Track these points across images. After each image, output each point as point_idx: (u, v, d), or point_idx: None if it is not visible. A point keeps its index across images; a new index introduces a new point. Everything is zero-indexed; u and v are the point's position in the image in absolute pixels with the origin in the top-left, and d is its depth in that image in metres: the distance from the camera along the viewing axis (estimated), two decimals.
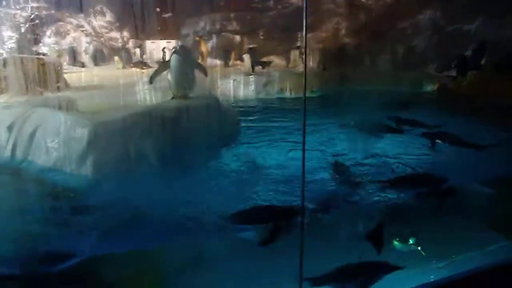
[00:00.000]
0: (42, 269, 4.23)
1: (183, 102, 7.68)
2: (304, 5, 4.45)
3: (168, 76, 7.90)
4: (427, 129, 8.41)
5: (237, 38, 19.46)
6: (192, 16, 22.71)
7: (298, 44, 19.03)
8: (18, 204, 5.75)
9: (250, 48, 17.32)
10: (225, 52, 17.99)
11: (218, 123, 7.91)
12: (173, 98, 8.08)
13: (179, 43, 23.02)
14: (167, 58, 20.42)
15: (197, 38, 17.87)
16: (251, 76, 13.99)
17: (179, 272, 4.32)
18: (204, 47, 17.62)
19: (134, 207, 5.52)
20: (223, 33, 19.63)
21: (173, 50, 7.90)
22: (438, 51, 14.69)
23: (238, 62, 18.08)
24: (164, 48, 21.08)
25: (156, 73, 8.09)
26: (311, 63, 16.40)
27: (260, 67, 16.69)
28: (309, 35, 18.73)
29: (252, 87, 13.00)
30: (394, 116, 9.04)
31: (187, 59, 7.84)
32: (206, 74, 8.49)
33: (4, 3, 22.99)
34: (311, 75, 14.33)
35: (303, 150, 4.62)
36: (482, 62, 13.11)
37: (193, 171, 6.54)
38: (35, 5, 22.77)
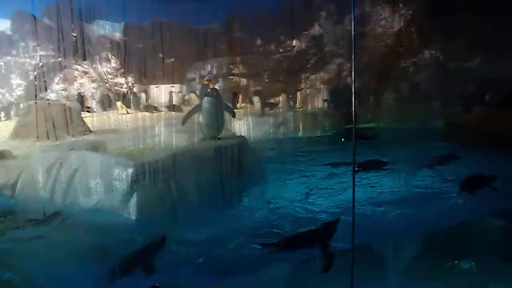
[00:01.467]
0: None
1: (216, 142, 7.99)
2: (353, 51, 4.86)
3: (199, 117, 8.23)
4: None
5: (243, 81, 20.01)
6: (197, 61, 23.34)
7: (302, 86, 19.66)
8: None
9: (257, 90, 17.84)
10: (233, 95, 18.51)
11: (249, 162, 8.23)
12: (203, 139, 8.37)
13: (183, 87, 23.65)
14: (173, 102, 21.02)
15: (205, 82, 18.37)
16: (263, 117, 14.38)
17: None
18: None
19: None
20: (229, 77, 20.19)
21: (205, 92, 8.24)
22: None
23: (244, 104, 18.55)
24: (171, 92, 21.60)
25: (189, 115, 8.41)
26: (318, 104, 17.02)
27: (268, 108, 17.16)
28: (313, 76, 19.41)
29: (265, 128, 13.35)
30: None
31: (218, 101, 8.19)
32: (234, 116, 8.85)
33: (14, 52, 23.64)
34: (322, 114, 14.78)
35: (353, 179, 4.95)
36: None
37: (229, 207, 6.88)
38: (43, 53, 23.36)
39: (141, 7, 27.08)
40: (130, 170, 6.67)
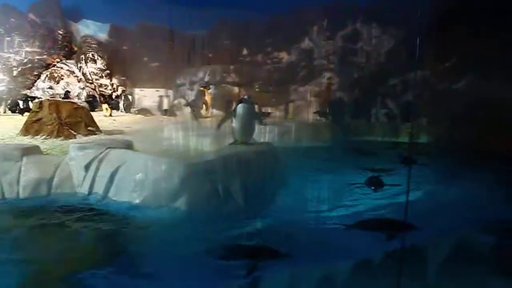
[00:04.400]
0: None
1: (248, 147, 8.38)
2: None
3: (232, 122, 8.57)
4: None
5: (235, 89, 20.34)
6: (186, 67, 23.53)
7: (292, 97, 20.24)
8: None
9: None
10: (227, 102, 18.75)
11: (279, 165, 8.65)
12: (232, 143, 8.71)
13: (169, 92, 23.78)
14: (164, 106, 21.12)
15: (201, 88, 18.57)
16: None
17: None
18: (208, 96, 18.34)
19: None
20: (222, 84, 20.48)
21: (240, 98, 8.61)
22: None
23: None
24: (161, 96, 21.67)
25: (224, 119, 8.74)
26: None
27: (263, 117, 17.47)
28: (303, 88, 20.03)
29: (271, 136, 13.64)
30: None
31: (251, 108, 8.57)
32: (261, 123, 9.23)
33: None
34: (322, 126, 15.37)
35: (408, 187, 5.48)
36: None
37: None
38: (29, 49, 23.05)
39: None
40: (179, 171, 6.96)
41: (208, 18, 27.42)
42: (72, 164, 8.06)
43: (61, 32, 24.89)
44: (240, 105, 8.48)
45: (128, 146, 8.90)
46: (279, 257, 5.01)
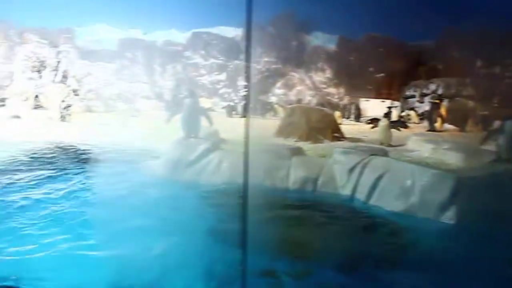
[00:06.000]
0: None
1: None
2: None
3: (499, 139, 8.30)
4: None
5: (470, 103, 19.33)
6: (413, 78, 23.20)
7: None
8: None
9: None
10: (462, 117, 17.90)
11: None
12: (496, 160, 8.39)
13: (395, 103, 23.67)
14: (392, 117, 21.12)
15: (437, 101, 18.10)
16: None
17: None
18: (443, 110, 17.78)
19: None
20: (456, 98, 19.68)
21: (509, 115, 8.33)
22: None
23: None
24: (389, 107, 21.73)
25: (490, 135, 8.56)
26: None
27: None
28: None
29: None
30: None
31: None
32: None
33: (241, 56, 26.10)
34: None
35: None
36: None
37: None
38: (267, 59, 25.32)
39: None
40: (448, 183, 7.04)
41: (436, 28, 26.64)
42: (336, 167, 8.73)
43: (294, 43, 26.82)
44: (509, 121, 8.17)
45: (385, 154, 9.24)
46: None
